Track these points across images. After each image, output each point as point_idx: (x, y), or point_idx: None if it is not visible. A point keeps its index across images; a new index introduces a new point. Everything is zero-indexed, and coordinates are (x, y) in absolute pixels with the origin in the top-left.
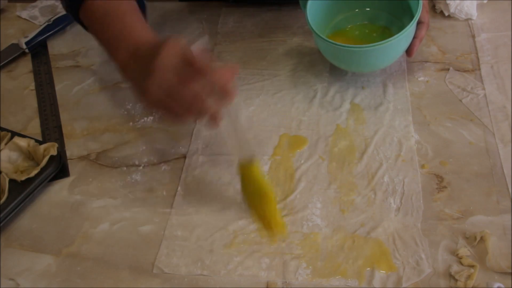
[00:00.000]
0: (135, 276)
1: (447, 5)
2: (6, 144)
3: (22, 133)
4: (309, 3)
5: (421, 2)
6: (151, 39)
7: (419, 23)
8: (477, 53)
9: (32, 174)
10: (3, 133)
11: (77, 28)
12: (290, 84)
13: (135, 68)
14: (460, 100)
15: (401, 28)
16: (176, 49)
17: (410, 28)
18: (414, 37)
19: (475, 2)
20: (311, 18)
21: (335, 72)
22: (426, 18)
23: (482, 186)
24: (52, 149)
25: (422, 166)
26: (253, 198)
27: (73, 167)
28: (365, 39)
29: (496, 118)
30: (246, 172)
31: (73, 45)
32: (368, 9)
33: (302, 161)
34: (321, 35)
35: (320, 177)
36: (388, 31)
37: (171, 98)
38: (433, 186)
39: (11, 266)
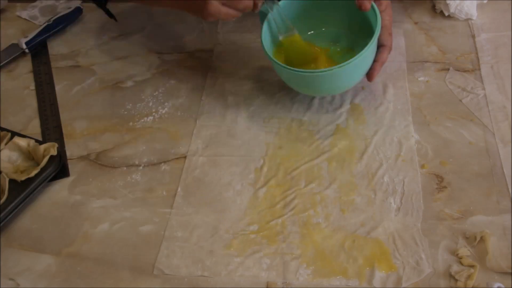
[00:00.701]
0: (135, 276)
1: (447, 5)
2: (6, 144)
3: (22, 133)
4: (265, 22)
5: (379, 26)
6: None
7: (380, 46)
8: (477, 53)
9: (32, 174)
10: (3, 133)
11: (77, 28)
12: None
13: None
14: (460, 100)
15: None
16: None
17: (366, 53)
18: (375, 61)
19: (475, 2)
20: (264, 38)
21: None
22: (389, 41)
23: (482, 186)
24: (52, 149)
25: (422, 166)
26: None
27: (73, 167)
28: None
29: (496, 118)
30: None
31: (73, 45)
32: (334, 29)
33: (302, 161)
34: (273, 58)
35: (320, 177)
36: (351, 52)
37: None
38: (433, 186)
39: (11, 266)
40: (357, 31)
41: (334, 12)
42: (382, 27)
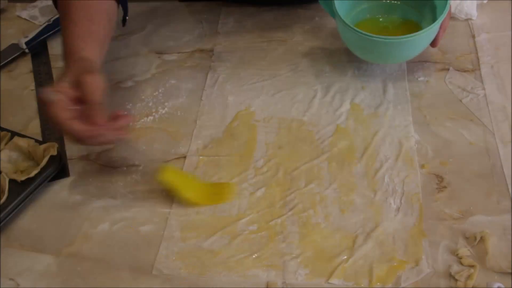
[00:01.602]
0: (135, 276)
1: None
2: (6, 144)
3: (22, 133)
4: None
5: None
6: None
7: None
8: (477, 53)
9: (32, 174)
10: (3, 133)
11: None
12: (290, 84)
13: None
14: (460, 100)
15: (419, 18)
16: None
17: (439, 22)
18: (439, 28)
19: (475, 2)
20: (339, 8)
21: (335, 72)
22: (450, 7)
23: (482, 186)
24: (52, 149)
25: (422, 166)
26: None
27: (73, 167)
28: (383, 31)
29: (496, 118)
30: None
31: None
32: (386, 0)
33: (301, 161)
34: (351, 26)
35: (320, 177)
36: (405, 22)
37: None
38: (433, 186)
39: (11, 266)
40: (411, 2)
41: None
42: None
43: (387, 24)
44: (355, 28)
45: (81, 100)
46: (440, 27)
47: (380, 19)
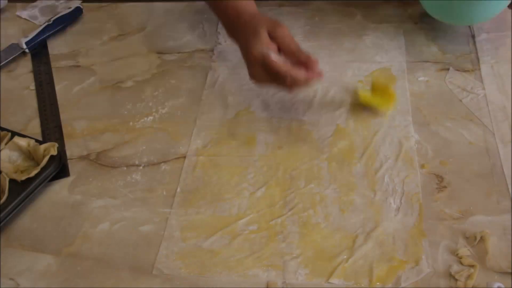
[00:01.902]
0: (135, 276)
1: None
2: (6, 144)
3: (22, 133)
4: None
5: None
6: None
7: None
8: (477, 53)
9: (32, 174)
10: (3, 133)
11: (77, 28)
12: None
13: (238, 31)
14: (460, 100)
15: None
16: (258, 58)
17: None
18: None
19: None
20: None
21: (335, 72)
22: None
23: (482, 186)
24: (52, 149)
25: (422, 166)
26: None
27: (73, 167)
28: None
29: (496, 118)
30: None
31: (73, 45)
32: None
33: (301, 161)
34: None
35: (320, 177)
36: None
37: (266, 83)
38: (433, 186)
39: (11, 266)
40: None
41: None
42: None
43: None
44: None
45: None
46: None
47: None
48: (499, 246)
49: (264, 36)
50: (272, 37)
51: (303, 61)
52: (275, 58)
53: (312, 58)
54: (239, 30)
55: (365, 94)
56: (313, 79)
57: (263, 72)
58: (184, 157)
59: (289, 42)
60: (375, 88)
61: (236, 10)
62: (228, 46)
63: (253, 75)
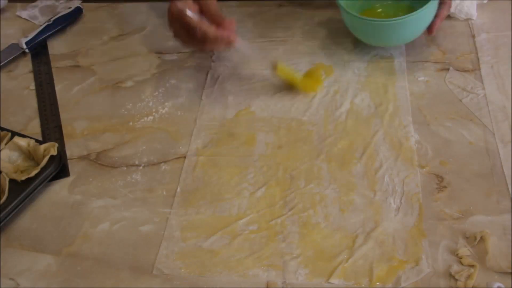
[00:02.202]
0: (135, 276)
1: None
2: (6, 144)
3: (22, 133)
4: None
5: None
6: None
7: (441, 3)
8: (477, 53)
9: (32, 174)
10: (3, 133)
11: (77, 28)
12: (290, 83)
13: None
14: (460, 100)
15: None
16: (175, 14)
17: (432, 5)
18: (436, 16)
19: (475, 2)
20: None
21: (335, 71)
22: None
23: (482, 186)
24: (52, 149)
25: (422, 166)
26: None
27: (73, 167)
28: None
29: (496, 118)
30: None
31: (73, 45)
32: None
33: (301, 161)
34: (349, 11)
35: (320, 177)
36: (413, 10)
37: (183, 40)
38: (433, 186)
39: (11, 266)
40: None
41: None
42: None
43: (397, 11)
44: (352, 12)
45: (199, 12)
46: (437, 16)
47: (390, 7)
48: (499, 246)
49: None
50: (198, 2)
51: (219, 22)
52: (189, 13)
53: (228, 19)
54: None
55: (288, 70)
56: (223, 37)
57: (180, 29)
58: (184, 157)
59: (209, 4)
60: (308, 72)
61: None
62: None
63: (172, 32)
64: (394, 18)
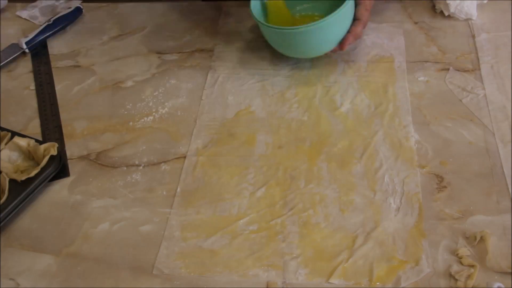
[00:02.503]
0: (135, 276)
1: (447, 5)
2: (6, 144)
3: (22, 133)
4: None
5: None
6: None
7: (356, 19)
8: (477, 53)
9: (32, 174)
10: (3, 133)
11: (77, 28)
12: (290, 84)
13: None
14: (460, 100)
15: None
16: None
17: (335, 18)
18: (348, 32)
19: (475, 2)
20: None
21: (335, 72)
22: (365, 16)
23: (482, 186)
24: (52, 149)
25: (422, 166)
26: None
27: (73, 167)
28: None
29: (496, 118)
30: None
31: (73, 45)
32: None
33: (301, 161)
34: (259, 20)
35: (320, 177)
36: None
37: None
38: (433, 186)
39: (11, 266)
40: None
41: None
42: (360, 3)
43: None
44: (260, 21)
45: None
46: (350, 32)
47: (313, 18)
48: (499, 246)
49: None
50: None
51: None
52: None
53: None
54: None
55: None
56: None
57: None
58: (184, 157)
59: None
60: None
61: None
62: (228, 46)
63: None
64: (297, 26)
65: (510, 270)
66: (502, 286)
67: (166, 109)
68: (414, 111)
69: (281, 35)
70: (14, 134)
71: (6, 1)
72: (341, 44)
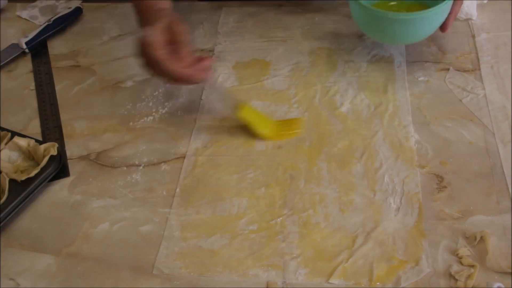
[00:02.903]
0: (135, 276)
1: None
2: (6, 144)
3: (22, 133)
4: None
5: None
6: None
7: None
8: (477, 53)
9: (32, 174)
10: (3, 133)
11: (77, 28)
12: (289, 84)
13: (144, 22)
14: (460, 100)
15: (432, 3)
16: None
17: (448, 3)
18: (449, 13)
19: (475, 2)
20: None
21: (335, 71)
22: None
23: (482, 186)
24: (52, 149)
25: (422, 166)
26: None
27: (73, 167)
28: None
29: (496, 118)
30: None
31: (73, 45)
32: None
33: (301, 161)
34: (361, 2)
35: (320, 177)
36: (425, 8)
37: (157, 73)
38: (433, 186)
39: (11, 266)
40: None
41: None
42: None
43: (400, 7)
44: (364, 4)
45: (170, 42)
46: (451, 13)
47: (403, 5)
48: (499, 246)
49: (158, 26)
50: (170, 31)
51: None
52: (153, 41)
53: (206, 57)
54: (145, 21)
55: (256, 112)
56: (189, 76)
57: (148, 62)
58: (184, 157)
59: (181, 33)
60: (286, 122)
61: (149, 5)
62: (228, 46)
63: (141, 63)
64: (411, 13)
65: (510, 270)
66: (502, 286)
67: (166, 109)
68: (414, 111)
69: (389, 22)
70: (14, 134)
71: (6, 1)
72: (444, 26)
